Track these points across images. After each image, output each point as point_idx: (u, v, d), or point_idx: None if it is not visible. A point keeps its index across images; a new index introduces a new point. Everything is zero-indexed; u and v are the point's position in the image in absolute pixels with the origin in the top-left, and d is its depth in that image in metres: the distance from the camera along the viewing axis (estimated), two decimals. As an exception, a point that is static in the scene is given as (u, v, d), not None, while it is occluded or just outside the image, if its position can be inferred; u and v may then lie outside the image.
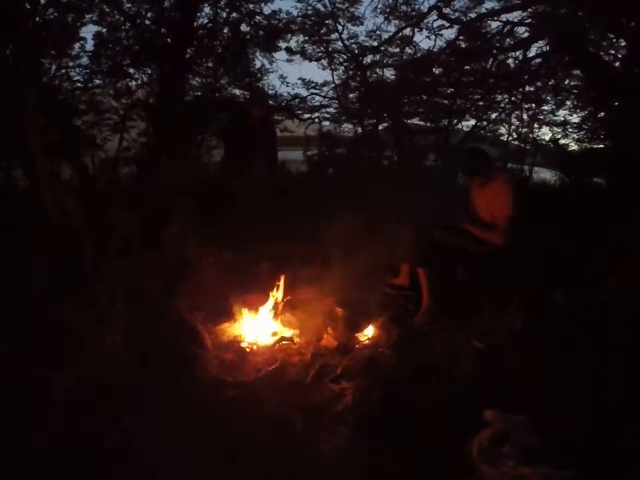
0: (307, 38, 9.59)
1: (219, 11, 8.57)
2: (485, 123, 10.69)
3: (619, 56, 8.15)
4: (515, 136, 10.59)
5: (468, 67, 9.43)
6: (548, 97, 9.89)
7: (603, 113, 9.43)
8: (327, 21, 9.39)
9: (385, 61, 9.95)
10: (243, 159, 4.90)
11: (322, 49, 9.80)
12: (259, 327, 3.38)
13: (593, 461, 1.97)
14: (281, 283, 3.51)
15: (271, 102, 8.69)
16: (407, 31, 9.22)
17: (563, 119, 10.21)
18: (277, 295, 3.48)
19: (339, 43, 9.65)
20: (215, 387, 2.67)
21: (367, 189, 6.66)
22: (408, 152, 9.88)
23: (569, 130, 10.21)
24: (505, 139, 10.67)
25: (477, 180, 3.71)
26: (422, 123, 10.82)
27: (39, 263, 3.29)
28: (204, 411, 2.40)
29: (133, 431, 2.15)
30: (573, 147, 10.35)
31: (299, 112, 10.22)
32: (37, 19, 6.55)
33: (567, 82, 9.63)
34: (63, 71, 7.97)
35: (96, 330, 2.79)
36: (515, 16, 8.29)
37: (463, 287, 3.73)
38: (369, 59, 9.86)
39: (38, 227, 3.56)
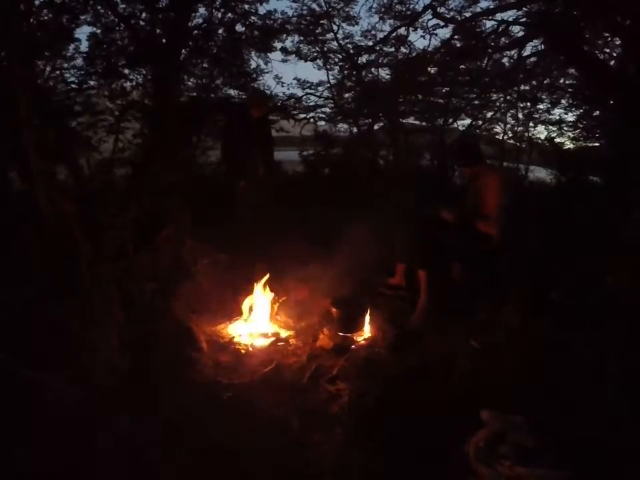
0: (302, 38, 9.66)
1: (213, 11, 8.56)
2: (480, 121, 10.77)
3: (614, 54, 8.18)
4: (511, 135, 10.68)
5: (463, 66, 9.45)
6: (543, 96, 9.97)
7: (598, 112, 9.48)
8: (322, 21, 9.44)
9: (380, 61, 10.00)
10: (242, 159, 4.88)
11: (317, 48, 9.84)
12: (254, 328, 3.38)
13: (589, 461, 1.97)
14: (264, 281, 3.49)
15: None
16: (402, 31, 9.26)
17: (558, 117, 10.32)
18: (267, 294, 3.48)
19: (334, 42, 9.73)
20: (210, 388, 2.66)
21: (363, 189, 6.67)
22: (404, 151, 9.91)
23: (565, 128, 10.29)
24: (501, 138, 10.73)
25: (467, 173, 3.78)
26: (417, 122, 10.88)
27: (34, 264, 3.28)
28: (200, 412, 2.39)
29: (129, 432, 2.15)
30: (569, 145, 10.42)
31: (295, 112, 10.24)
32: (32, 19, 6.53)
33: (562, 80, 9.69)
34: (58, 72, 7.96)
35: (92, 332, 2.78)
36: (509, 15, 8.28)
37: (459, 287, 3.73)
38: (364, 58, 9.94)
39: (33, 228, 3.54)
